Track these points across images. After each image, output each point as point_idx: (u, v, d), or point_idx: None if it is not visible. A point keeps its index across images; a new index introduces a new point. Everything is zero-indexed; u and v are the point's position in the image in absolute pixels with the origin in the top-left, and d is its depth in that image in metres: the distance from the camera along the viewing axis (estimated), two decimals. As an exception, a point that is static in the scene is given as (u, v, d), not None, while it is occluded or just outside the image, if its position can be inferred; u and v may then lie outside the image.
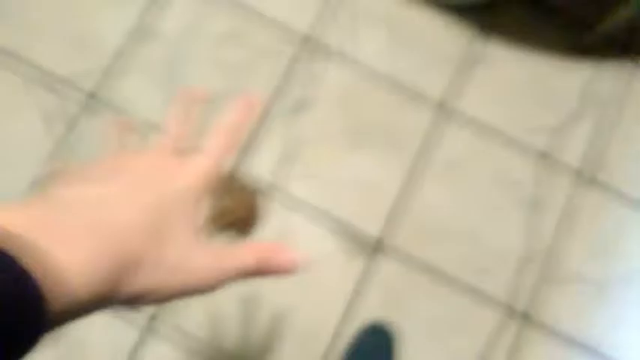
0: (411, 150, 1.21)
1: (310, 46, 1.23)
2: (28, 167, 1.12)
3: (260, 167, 1.16)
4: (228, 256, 0.31)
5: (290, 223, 1.14)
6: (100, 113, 1.16)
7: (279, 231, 1.14)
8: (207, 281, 0.30)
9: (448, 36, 1.28)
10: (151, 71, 1.19)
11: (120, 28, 1.21)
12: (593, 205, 1.22)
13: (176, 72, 1.19)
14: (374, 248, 1.15)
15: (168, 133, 0.35)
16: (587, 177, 1.23)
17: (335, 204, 1.16)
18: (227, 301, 1.10)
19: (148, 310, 1.08)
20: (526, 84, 1.27)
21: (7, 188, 1.11)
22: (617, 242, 1.21)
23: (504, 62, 1.27)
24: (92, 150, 1.13)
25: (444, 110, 1.23)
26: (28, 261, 0.20)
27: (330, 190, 1.17)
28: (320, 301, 1.12)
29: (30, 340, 0.21)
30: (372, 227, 1.16)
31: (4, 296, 0.19)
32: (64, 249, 0.23)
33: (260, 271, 0.31)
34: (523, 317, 1.15)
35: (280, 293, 1.12)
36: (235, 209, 1.07)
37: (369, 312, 1.12)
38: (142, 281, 0.26)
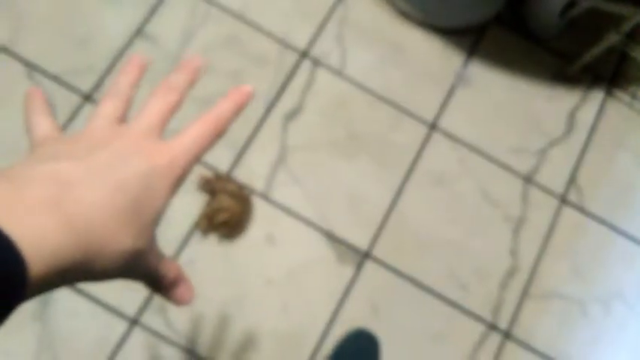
0: (399, 164, 1.23)
1: (304, 58, 1.26)
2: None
3: (254, 171, 1.18)
4: (161, 265, 0.31)
5: (279, 227, 1.15)
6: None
7: (268, 234, 1.15)
8: (141, 273, 0.30)
9: (438, 57, 1.32)
10: (147, 74, 1.20)
11: (118, 30, 1.22)
12: (573, 226, 1.25)
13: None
14: (361, 257, 1.16)
15: (149, 112, 0.33)
16: (568, 199, 1.26)
17: (324, 212, 1.18)
18: (211, 303, 1.10)
19: (134, 304, 1.07)
20: (511, 107, 1.31)
21: None
22: (596, 264, 1.24)
23: (491, 85, 1.32)
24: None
25: (431, 127, 1.26)
26: None
27: (320, 198, 1.18)
28: (306, 307, 1.12)
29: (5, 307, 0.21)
30: (359, 237, 1.17)
31: None
32: (22, 224, 0.23)
33: (160, 290, 0.32)
34: (504, 332, 1.16)
35: (266, 297, 1.12)
36: (229, 209, 1.08)
37: (353, 319, 1.12)
38: (107, 264, 0.26)
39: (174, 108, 0.33)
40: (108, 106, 0.33)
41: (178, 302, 0.33)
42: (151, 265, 0.30)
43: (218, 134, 0.33)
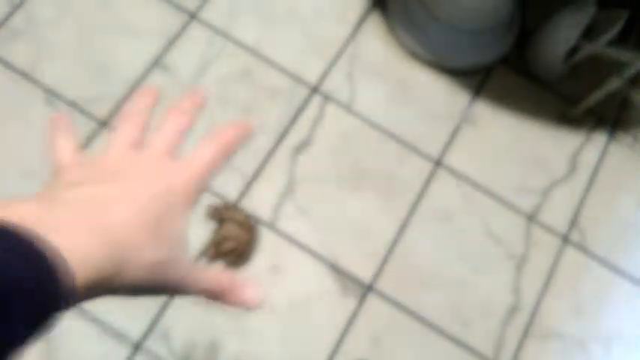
0: (404, 199, 1.26)
1: (315, 93, 1.30)
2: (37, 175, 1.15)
3: (261, 201, 1.20)
4: (202, 274, 0.33)
5: (284, 257, 1.17)
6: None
7: (273, 264, 1.16)
8: (183, 288, 0.32)
9: (445, 96, 1.35)
10: (161, 104, 1.24)
11: (136, 60, 1.27)
12: (575, 266, 1.27)
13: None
14: (364, 290, 1.18)
15: (162, 136, 0.36)
16: (570, 239, 1.28)
17: (329, 244, 1.19)
18: (213, 330, 1.11)
19: (139, 328, 1.08)
20: (515, 147, 1.34)
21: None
22: (597, 304, 1.25)
23: (496, 125, 1.35)
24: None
25: (436, 164, 1.29)
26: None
27: (325, 230, 1.20)
28: (308, 338, 1.13)
29: (48, 319, 0.24)
30: (363, 270, 1.19)
31: (35, 274, 0.23)
32: (65, 241, 0.25)
33: (221, 299, 0.34)
34: (505, 370, 1.17)
35: (269, 326, 1.13)
36: (235, 238, 1.10)
37: (355, 352, 1.13)
38: (134, 275, 0.29)
39: (186, 130, 0.37)
40: (124, 132, 0.36)
41: (243, 306, 0.34)
42: (182, 277, 0.32)
43: (226, 157, 0.36)
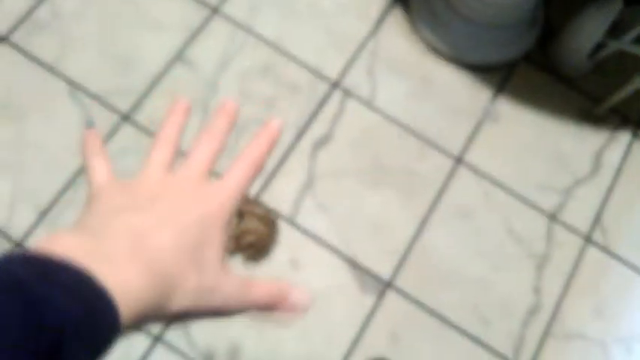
0: (425, 195, 1.25)
1: (335, 88, 1.30)
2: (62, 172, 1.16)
3: (281, 196, 1.20)
4: (250, 289, 0.33)
5: (303, 252, 1.17)
6: (132, 134, 1.21)
7: (292, 259, 1.16)
8: (231, 307, 0.32)
9: (467, 92, 1.34)
10: (183, 95, 1.24)
11: (158, 54, 1.27)
12: (597, 266, 1.25)
13: (206, 100, 1.24)
14: (383, 287, 1.17)
15: (195, 160, 0.36)
16: (593, 239, 1.26)
17: (348, 240, 1.19)
18: (233, 323, 1.11)
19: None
20: (538, 144, 1.33)
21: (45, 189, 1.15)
22: (619, 305, 1.23)
23: (518, 122, 1.34)
24: (118, 170, 1.17)
25: (457, 161, 1.28)
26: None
27: (345, 226, 1.20)
28: (326, 333, 1.13)
29: (104, 349, 0.25)
30: (382, 267, 1.18)
31: (91, 312, 0.24)
32: (110, 273, 0.26)
33: (273, 309, 0.34)
34: (525, 370, 1.15)
35: (286, 323, 1.13)
36: (255, 232, 1.10)
37: (373, 348, 1.13)
38: (180, 301, 0.29)
39: (218, 153, 0.37)
40: (158, 154, 0.36)
41: (294, 312, 0.35)
42: (229, 298, 0.32)
43: (257, 172, 0.36)
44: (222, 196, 0.34)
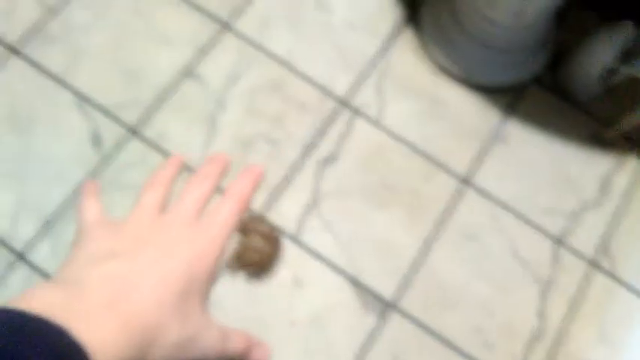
0: (430, 216, 1.24)
1: (344, 106, 1.29)
2: (67, 183, 1.16)
3: (286, 214, 1.20)
4: (227, 340, 0.33)
5: (307, 270, 1.17)
6: (139, 148, 1.21)
7: (295, 277, 1.16)
8: (209, 358, 0.32)
9: (476, 113, 1.34)
10: (191, 113, 1.25)
11: (168, 68, 1.27)
12: (603, 292, 1.24)
13: (214, 116, 1.24)
14: (386, 307, 1.16)
15: (186, 201, 0.36)
16: (599, 264, 1.25)
17: (352, 259, 1.18)
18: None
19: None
20: (546, 167, 1.32)
21: (45, 203, 1.15)
22: (624, 332, 1.22)
23: (526, 144, 1.33)
24: (124, 183, 1.17)
25: (464, 182, 1.27)
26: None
27: (349, 245, 1.19)
28: (328, 352, 1.12)
29: None
30: (386, 286, 1.18)
31: None
32: (87, 330, 0.25)
33: (243, 359, 0.34)
34: (527, 396, 1.14)
35: (290, 338, 1.12)
36: (259, 250, 1.10)
37: (375, 371, 1.12)
38: (160, 353, 0.29)
39: (209, 195, 0.37)
40: (149, 196, 0.36)
41: None
42: (210, 346, 0.32)
43: (244, 210, 0.37)
44: (211, 235, 0.34)
